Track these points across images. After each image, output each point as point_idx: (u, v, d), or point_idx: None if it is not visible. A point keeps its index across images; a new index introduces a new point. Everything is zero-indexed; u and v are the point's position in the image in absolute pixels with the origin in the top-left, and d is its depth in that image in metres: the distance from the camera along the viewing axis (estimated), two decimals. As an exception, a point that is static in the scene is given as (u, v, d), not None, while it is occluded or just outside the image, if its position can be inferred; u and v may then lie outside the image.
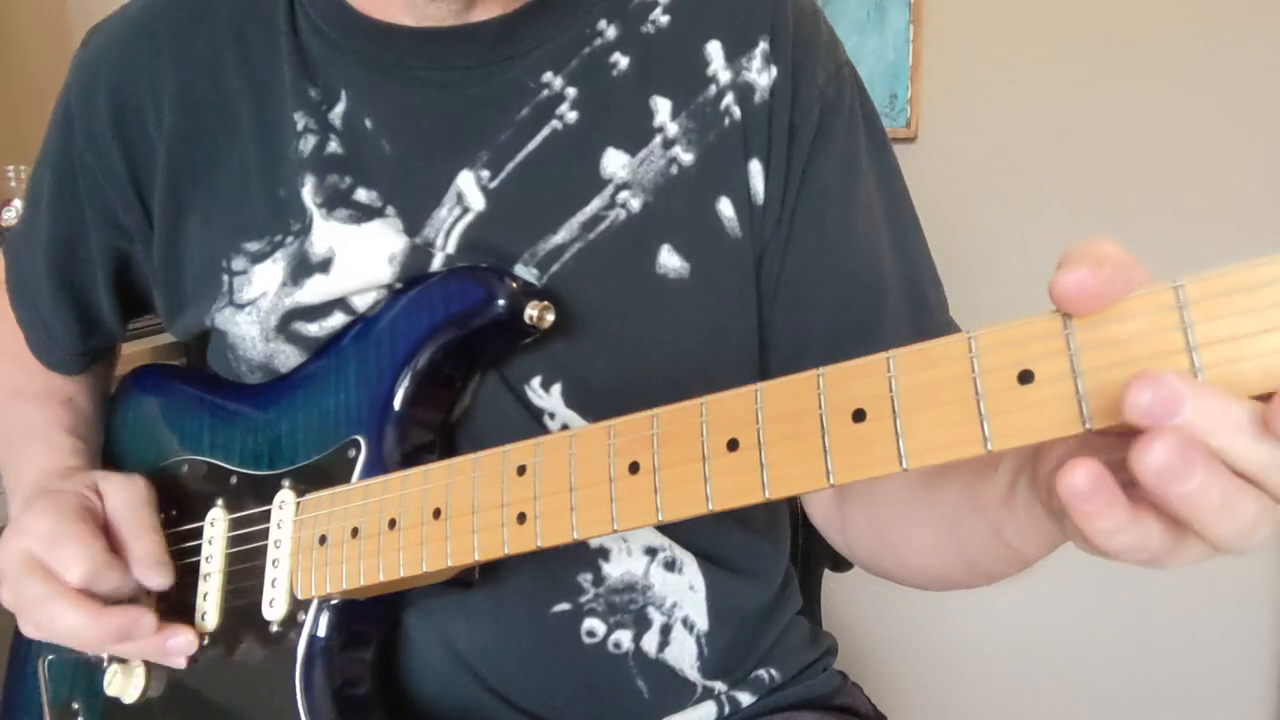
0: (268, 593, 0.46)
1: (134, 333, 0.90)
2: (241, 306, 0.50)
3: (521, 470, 0.37)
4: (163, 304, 0.55)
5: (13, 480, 0.55)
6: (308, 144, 0.49)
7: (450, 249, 0.47)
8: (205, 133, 0.50)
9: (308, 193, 0.49)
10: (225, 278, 0.50)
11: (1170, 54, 1.08)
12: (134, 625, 0.45)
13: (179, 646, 0.47)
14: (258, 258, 0.49)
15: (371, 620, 0.47)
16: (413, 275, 0.47)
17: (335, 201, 0.48)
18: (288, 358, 0.50)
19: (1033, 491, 0.32)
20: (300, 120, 0.49)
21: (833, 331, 0.48)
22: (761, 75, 0.48)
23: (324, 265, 0.48)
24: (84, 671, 0.53)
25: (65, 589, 0.45)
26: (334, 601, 0.45)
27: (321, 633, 0.44)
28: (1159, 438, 0.23)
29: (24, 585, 0.45)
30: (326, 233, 0.48)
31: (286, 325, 0.49)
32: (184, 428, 0.54)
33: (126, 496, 0.49)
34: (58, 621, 0.45)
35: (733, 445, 0.31)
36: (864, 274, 0.49)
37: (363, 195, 0.48)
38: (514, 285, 0.44)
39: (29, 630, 0.47)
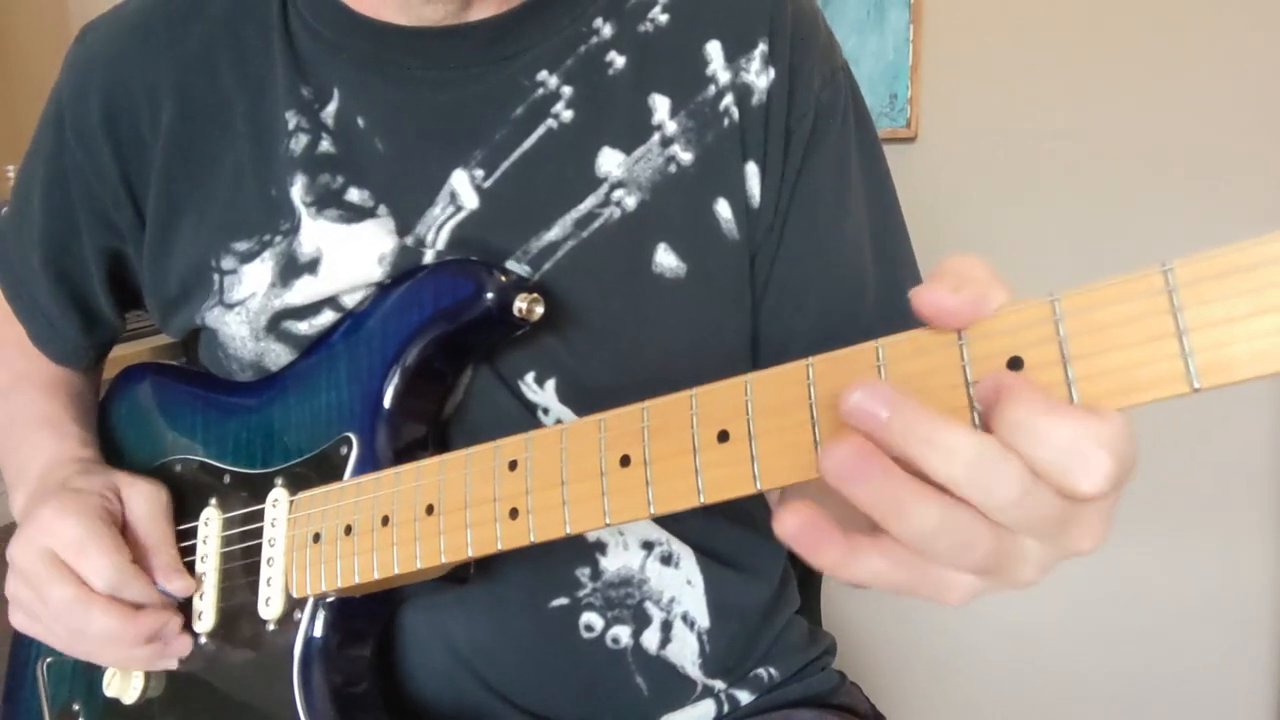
0: (263, 592, 0.46)
1: (133, 333, 0.90)
2: (231, 306, 0.50)
3: (513, 465, 0.37)
4: (152, 304, 0.55)
5: (15, 468, 0.55)
6: (299, 143, 0.49)
7: (441, 245, 0.47)
8: (200, 133, 0.50)
9: (297, 192, 0.49)
10: (216, 277, 0.50)
11: (1170, 53, 1.07)
12: (166, 627, 0.47)
13: (180, 648, 0.48)
14: (246, 257, 0.49)
15: (368, 618, 0.47)
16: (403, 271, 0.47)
17: (326, 201, 0.48)
18: (278, 356, 0.50)
19: None
20: (292, 119, 0.49)
21: (817, 337, 0.48)
22: (760, 77, 0.48)
23: (312, 266, 0.48)
24: (83, 673, 0.53)
25: (96, 594, 0.45)
26: (330, 599, 0.44)
27: (318, 631, 0.44)
28: (840, 444, 0.25)
29: (52, 587, 0.45)
30: (315, 232, 0.48)
31: (276, 325, 0.49)
32: (177, 427, 0.54)
33: (149, 508, 0.49)
34: (93, 624, 0.45)
35: (723, 437, 0.31)
36: (848, 281, 0.49)
37: (354, 195, 0.48)
38: (502, 278, 0.44)
39: (19, 621, 0.48)
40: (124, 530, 0.48)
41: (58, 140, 0.53)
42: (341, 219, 0.48)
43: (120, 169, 0.52)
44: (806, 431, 0.30)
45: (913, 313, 0.27)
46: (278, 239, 0.49)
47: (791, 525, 0.27)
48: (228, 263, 0.50)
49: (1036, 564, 0.28)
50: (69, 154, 0.53)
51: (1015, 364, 0.27)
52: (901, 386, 0.28)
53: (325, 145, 0.49)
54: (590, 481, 0.34)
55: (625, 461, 0.33)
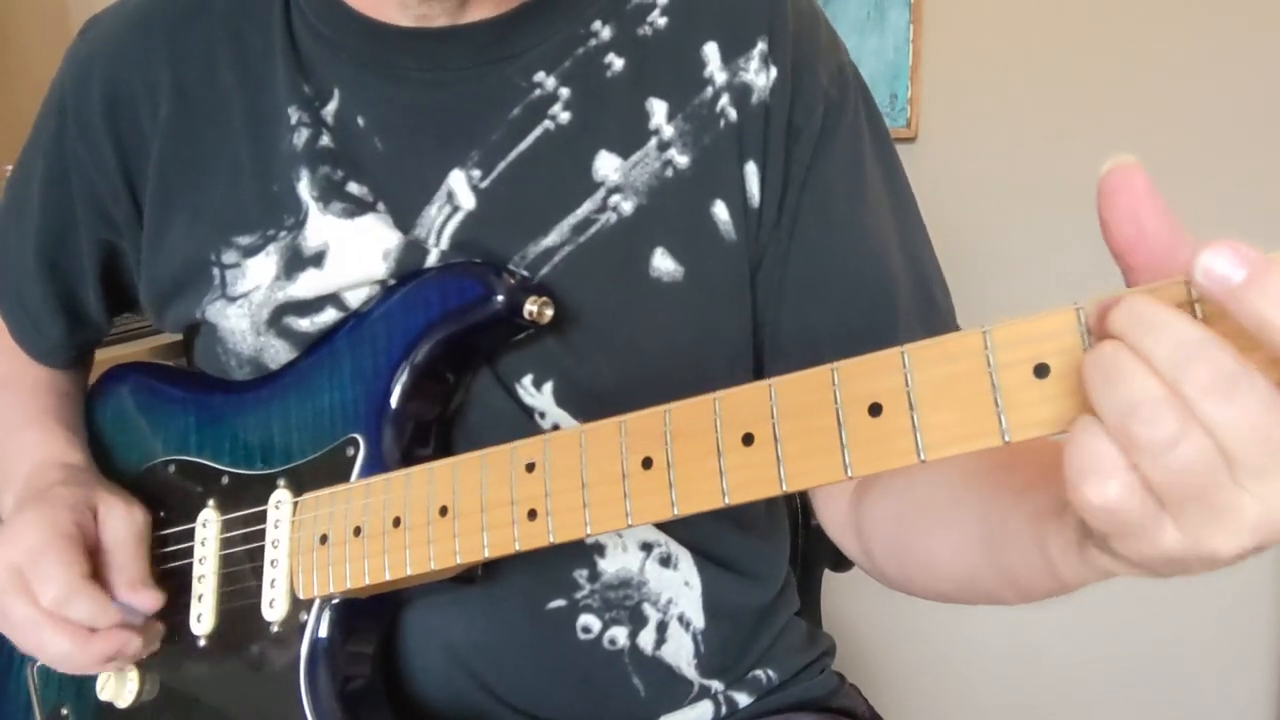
0: (267, 593, 0.46)
1: (134, 333, 0.88)
2: (234, 299, 0.49)
3: (530, 467, 0.37)
4: (145, 297, 0.54)
5: (3, 470, 0.54)
6: (301, 138, 0.48)
7: (442, 247, 0.47)
8: (198, 129, 0.50)
9: (304, 187, 0.48)
10: (216, 271, 0.50)
11: (1171, 53, 1.08)
12: (123, 650, 0.45)
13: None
14: (250, 251, 0.49)
15: (373, 617, 0.46)
16: (407, 271, 0.47)
17: (330, 194, 0.48)
18: (278, 353, 0.49)
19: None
20: (294, 114, 0.49)
21: (843, 334, 0.48)
22: (759, 76, 0.48)
23: (317, 259, 0.48)
24: (75, 677, 0.52)
25: (50, 615, 0.44)
26: (336, 601, 0.44)
27: (324, 632, 0.44)
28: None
29: (12, 606, 0.45)
30: (322, 226, 0.48)
31: (278, 320, 0.49)
32: (169, 427, 0.53)
33: (124, 528, 0.48)
34: (46, 647, 0.45)
35: (748, 440, 0.31)
36: (873, 274, 0.48)
37: (354, 188, 0.48)
38: (512, 280, 0.44)
39: (19, 645, 0.47)
40: (96, 548, 0.47)
41: (59, 132, 0.52)
42: (346, 213, 0.48)
43: (120, 161, 0.51)
44: (833, 435, 0.30)
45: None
46: (282, 233, 0.48)
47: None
48: (229, 257, 0.49)
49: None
50: (70, 145, 0.52)
51: (1041, 371, 0.27)
52: (928, 392, 0.28)
53: (325, 140, 0.49)
54: (612, 484, 0.34)
55: (648, 464, 0.33)
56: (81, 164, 0.52)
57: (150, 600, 0.47)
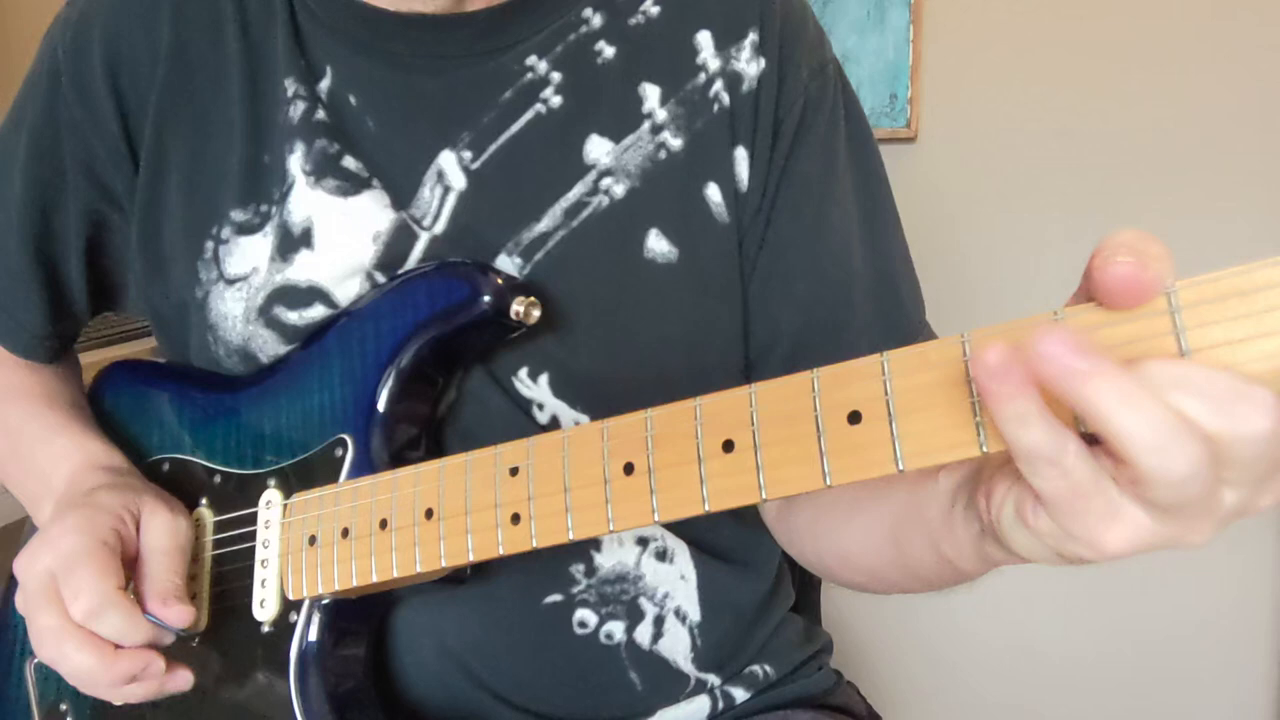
0: (257, 593, 0.46)
1: (133, 333, 0.89)
2: (232, 282, 0.49)
3: (514, 471, 0.37)
4: (138, 267, 0.52)
5: (35, 477, 0.52)
6: (297, 110, 0.48)
7: (435, 231, 0.47)
8: (195, 92, 0.50)
9: (295, 160, 0.48)
10: (210, 244, 0.49)
11: (1171, 53, 1.08)
12: (145, 671, 0.43)
13: (177, 685, 0.45)
14: (245, 229, 0.49)
15: (364, 618, 0.47)
16: (396, 255, 0.47)
17: (324, 169, 0.48)
18: (265, 343, 0.49)
19: (970, 511, 0.32)
20: (290, 86, 0.49)
21: (802, 326, 0.49)
22: (750, 65, 0.48)
23: (307, 238, 0.48)
24: (72, 672, 0.53)
25: (75, 627, 0.42)
26: (325, 601, 0.44)
27: (314, 634, 0.44)
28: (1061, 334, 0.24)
29: (40, 613, 0.43)
30: (310, 201, 0.48)
31: (269, 308, 0.49)
32: (164, 426, 0.53)
33: (165, 538, 0.45)
34: (67, 660, 0.43)
35: (728, 447, 0.31)
36: (835, 270, 0.49)
37: (350, 163, 0.48)
38: (499, 281, 0.44)
39: (41, 654, 0.45)
40: (135, 556, 0.45)
41: (51, 97, 0.51)
42: (339, 190, 0.48)
43: (122, 120, 0.50)
44: (812, 443, 0.30)
45: (1093, 285, 0.25)
46: (274, 209, 0.48)
47: (994, 357, 0.24)
48: (224, 232, 0.49)
49: (1219, 521, 0.26)
50: (66, 110, 0.51)
51: (1020, 380, 0.27)
52: (907, 400, 0.28)
53: (321, 114, 0.49)
54: (593, 488, 0.34)
55: (629, 469, 0.33)
56: (78, 128, 0.51)
57: (181, 616, 0.43)
